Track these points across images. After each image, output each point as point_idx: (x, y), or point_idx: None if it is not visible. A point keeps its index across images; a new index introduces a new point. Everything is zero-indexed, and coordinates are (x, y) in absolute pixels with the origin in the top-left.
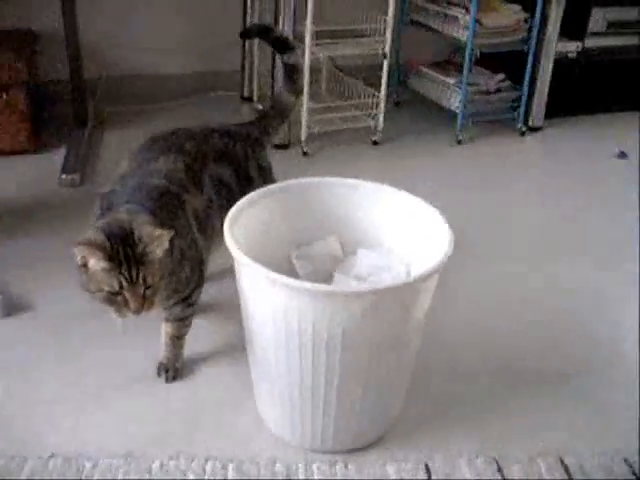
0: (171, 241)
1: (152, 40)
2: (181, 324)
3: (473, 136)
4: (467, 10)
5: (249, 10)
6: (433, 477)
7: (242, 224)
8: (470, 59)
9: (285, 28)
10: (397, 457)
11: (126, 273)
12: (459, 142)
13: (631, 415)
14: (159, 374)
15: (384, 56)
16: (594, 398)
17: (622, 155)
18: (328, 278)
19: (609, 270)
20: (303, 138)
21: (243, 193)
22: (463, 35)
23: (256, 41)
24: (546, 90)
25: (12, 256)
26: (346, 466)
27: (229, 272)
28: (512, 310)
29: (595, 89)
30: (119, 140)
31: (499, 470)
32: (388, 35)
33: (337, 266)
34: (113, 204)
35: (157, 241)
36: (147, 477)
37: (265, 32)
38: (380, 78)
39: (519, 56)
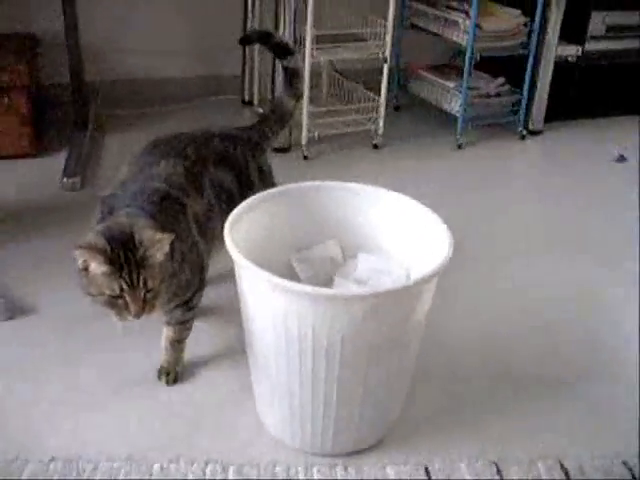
0: (172, 245)
1: (153, 44)
2: (182, 327)
3: (473, 140)
4: (467, 14)
5: (250, 14)
6: None
7: (242, 228)
8: (470, 63)
9: (285, 32)
10: (397, 460)
11: (127, 277)
12: (459, 146)
13: (630, 417)
14: (160, 377)
15: (384, 60)
16: (593, 401)
17: (621, 159)
18: (328, 282)
19: (609, 271)
20: (303, 142)
21: (243, 197)
22: (463, 39)
23: (257, 45)
24: (546, 94)
25: (13, 259)
26: (346, 469)
27: (229, 276)
28: (512, 313)
29: (595, 93)
30: (120, 144)
31: (498, 473)
32: (388, 39)
33: (337, 270)
34: (114, 208)
35: (158, 245)
36: None
37: (265, 38)
38: (380, 82)
39: (519, 60)
